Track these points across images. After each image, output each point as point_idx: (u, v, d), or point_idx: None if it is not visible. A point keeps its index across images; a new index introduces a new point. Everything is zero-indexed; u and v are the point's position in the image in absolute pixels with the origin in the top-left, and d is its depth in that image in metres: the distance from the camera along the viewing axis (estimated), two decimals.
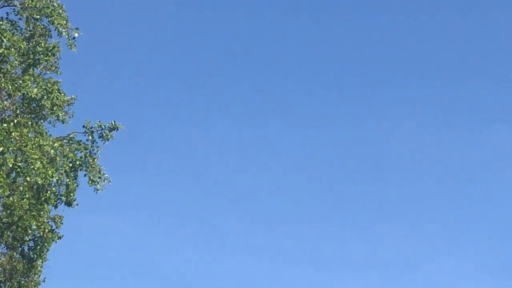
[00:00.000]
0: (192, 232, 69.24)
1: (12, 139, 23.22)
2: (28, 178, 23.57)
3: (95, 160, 25.91)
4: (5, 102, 23.58)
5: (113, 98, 74.34)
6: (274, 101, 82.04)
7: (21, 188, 26.70)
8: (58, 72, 28.53)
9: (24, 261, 28.80)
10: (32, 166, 23.19)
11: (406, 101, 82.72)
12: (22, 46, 23.82)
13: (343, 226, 73.12)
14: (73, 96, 28.56)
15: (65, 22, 25.63)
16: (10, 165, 22.96)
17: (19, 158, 23.16)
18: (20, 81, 23.68)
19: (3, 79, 23.40)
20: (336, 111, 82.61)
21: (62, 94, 26.14)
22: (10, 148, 23.00)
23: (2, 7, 25.78)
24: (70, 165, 25.15)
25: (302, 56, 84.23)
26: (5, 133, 23.07)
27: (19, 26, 26.64)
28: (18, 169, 23.18)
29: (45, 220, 27.82)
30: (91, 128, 26.40)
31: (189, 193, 73.31)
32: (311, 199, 75.90)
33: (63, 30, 25.63)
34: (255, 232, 70.65)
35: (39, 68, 25.91)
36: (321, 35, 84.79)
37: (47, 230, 27.25)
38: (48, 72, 28.38)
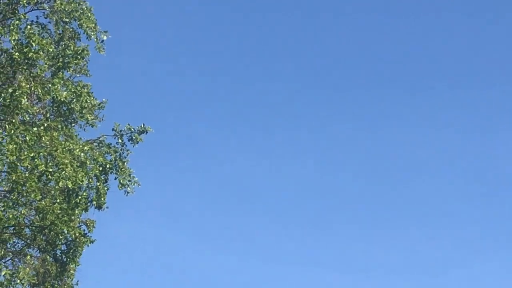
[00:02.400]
0: (222, 238, 68.97)
1: (43, 144, 23.15)
2: (60, 184, 23.46)
3: (125, 163, 25.81)
4: (34, 107, 23.53)
5: (141, 100, 74.35)
6: (303, 103, 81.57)
7: (52, 192, 26.67)
8: (88, 75, 28.54)
9: (57, 265, 28.79)
10: (64, 172, 23.06)
11: (443, 104, 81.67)
12: (50, 49, 23.74)
13: (372, 230, 72.46)
14: (104, 99, 28.56)
15: (93, 25, 25.54)
16: (41, 170, 22.89)
17: (50, 163, 23.07)
18: (50, 85, 23.61)
19: (33, 83, 23.35)
20: (367, 112, 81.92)
21: (92, 98, 26.05)
22: (41, 153, 22.92)
23: (31, 11, 25.81)
24: (100, 168, 25.08)
25: (327, 57, 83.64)
26: (35, 138, 23.01)
27: (49, 29, 26.71)
28: (49, 174, 23.08)
29: (77, 224, 27.78)
30: (120, 131, 26.34)
31: (218, 198, 73.01)
32: (341, 203, 75.30)
33: (92, 33, 25.54)
34: (286, 238, 70.00)
35: (68, 72, 25.83)
36: (346, 36, 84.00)
37: (78, 234, 27.18)
38: (78, 75, 28.37)
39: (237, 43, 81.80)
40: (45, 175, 23.42)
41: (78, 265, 28.42)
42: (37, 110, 23.71)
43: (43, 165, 22.76)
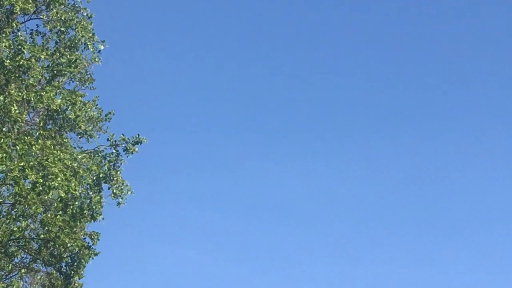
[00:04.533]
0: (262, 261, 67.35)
1: (33, 153, 22.87)
2: (50, 194, 23.14)
3: (118, 173, 25.55)
4: (24, 115, 23.26)
5: (152, 109, 73.44)
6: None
7: (55, 204, 26.43)
8: (92, 88, 28.31)
9: (62, 278, 28.53)
10: (54, 182, 22.74)
11: None
12: (42, 56, 23.55)
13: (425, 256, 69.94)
14: (111, 111, 28.29)
15: (90, 35, 25.33)
16: (30, 180, 22.59)
17: (40, 174, 22.76)
18: (42, 93, 23.38)
19: (25, 91, 23.13)
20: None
21: (90, 108, 25.89)
22: (31, 163, 22.62)
23: (30, 20, 25.73)
24: (94, 178, 24.80)
25: (376, 64, 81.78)
26: (26, 147, 22.73)
27: (50, 38, 26.60)
28: (39, 185, 22.78)
29: (81, 237, 27.49)
30: (115, 141, 26.14)
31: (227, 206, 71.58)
32: (397, 227, 72.68)
33: (89, 43, 25.34)
34: (330, 262, 67.96)
35: (63, 78, 25.74)
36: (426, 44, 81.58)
37: (80, 245, 26.89)
38: (83, 87, 28.14)
39: (244, 44, 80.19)
40: (36, 187, 23.06)
41: (81, 277, 28.15)
42: (25, 119, 23.43)
43: (33, 175, 22.44)
